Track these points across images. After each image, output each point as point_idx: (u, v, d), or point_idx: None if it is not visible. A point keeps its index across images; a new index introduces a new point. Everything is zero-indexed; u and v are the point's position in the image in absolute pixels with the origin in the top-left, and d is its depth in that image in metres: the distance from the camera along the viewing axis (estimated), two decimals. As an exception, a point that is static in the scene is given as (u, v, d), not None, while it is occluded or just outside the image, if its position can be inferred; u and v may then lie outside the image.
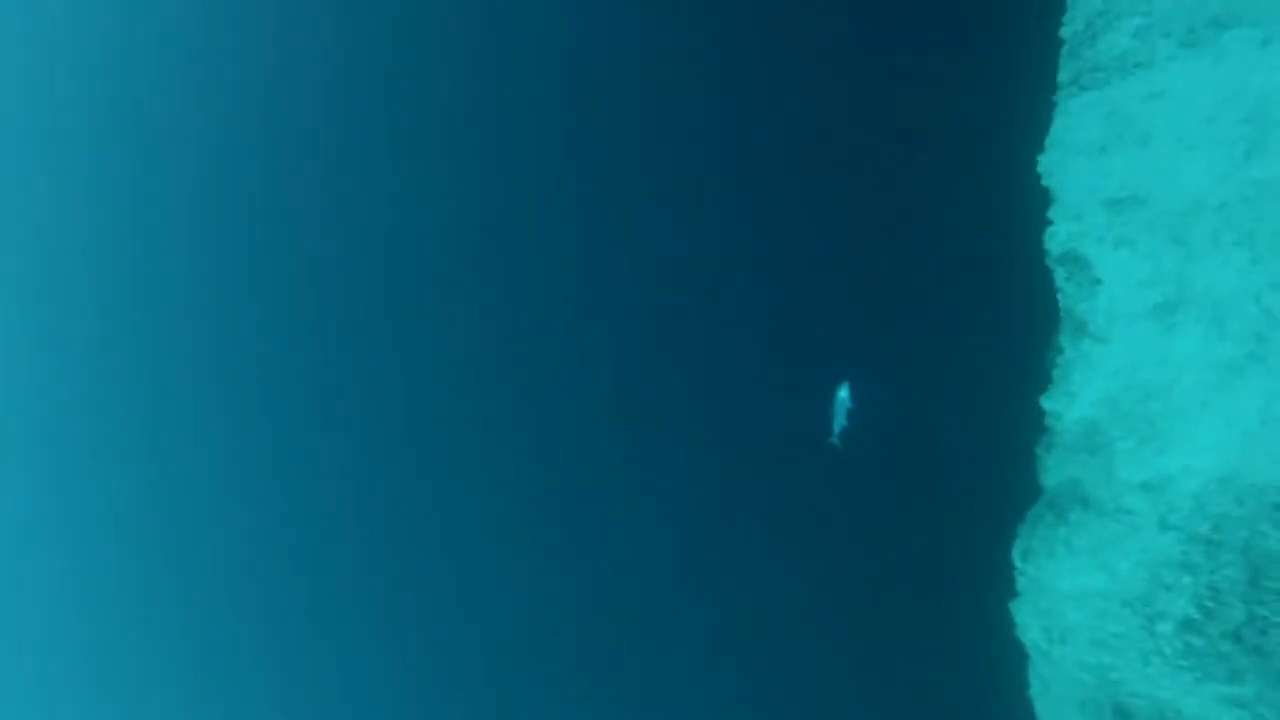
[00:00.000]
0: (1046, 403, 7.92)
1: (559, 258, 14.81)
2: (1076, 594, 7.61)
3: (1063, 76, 8.70)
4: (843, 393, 9.42)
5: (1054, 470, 7.91)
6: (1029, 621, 8.01)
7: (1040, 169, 8.31)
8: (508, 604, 15.02)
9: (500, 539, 15.37)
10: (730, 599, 12.41)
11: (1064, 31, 8.84)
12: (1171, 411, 7.20)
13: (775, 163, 11.99)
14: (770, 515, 12.10)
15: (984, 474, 8.97)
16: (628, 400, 14.01)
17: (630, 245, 13.81)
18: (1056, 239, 7.93)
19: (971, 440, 9.19)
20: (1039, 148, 8.41)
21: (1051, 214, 8.04)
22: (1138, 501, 7.35)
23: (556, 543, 14.42)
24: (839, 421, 9.49)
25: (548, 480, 14.72)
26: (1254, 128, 7.06)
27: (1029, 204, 8.34)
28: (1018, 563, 8.06)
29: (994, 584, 8.42)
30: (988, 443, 8.86)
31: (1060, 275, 7.94)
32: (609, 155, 14.09)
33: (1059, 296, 8.03)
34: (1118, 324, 7.48)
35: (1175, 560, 7.10)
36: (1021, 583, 8.05)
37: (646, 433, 13.75)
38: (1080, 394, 7.67)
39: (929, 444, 10.09)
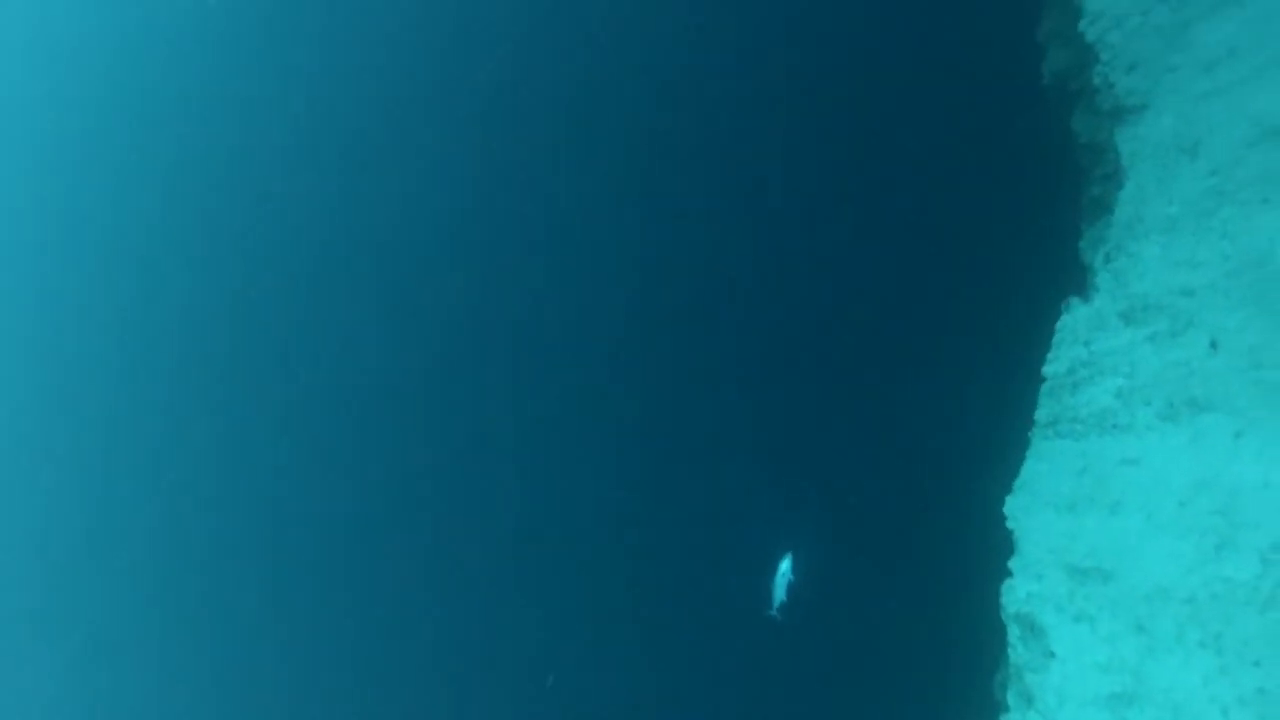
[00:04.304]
0: (983, 772, 7.14)
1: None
2: None
3: (1040, 415, 8.51)
4: (784, 565, 9.39)
5: None
6: None
7: (1007, 510, 7.95)
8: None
9: None
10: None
11: (1046, 369, 8.72)
12: (1118, 825, 6.42)
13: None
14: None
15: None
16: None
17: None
18: (1014, 595, 7.43)
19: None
20: (1008, 487, 8.10)
21: (1013, 564, 7.60)
22: None
23: None
24: (779, 595, 9.47)
25: None
26: (1225, 521, 6.72)
27: (991, 546, 7.93)
28: None
29: None
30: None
31: (1014, 633, 7.38)
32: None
33: (1010, 652, 7.44)
34: (1067, 706, 6.83)
35: None
36: None
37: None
38: (1021, 775, 6.92)
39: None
